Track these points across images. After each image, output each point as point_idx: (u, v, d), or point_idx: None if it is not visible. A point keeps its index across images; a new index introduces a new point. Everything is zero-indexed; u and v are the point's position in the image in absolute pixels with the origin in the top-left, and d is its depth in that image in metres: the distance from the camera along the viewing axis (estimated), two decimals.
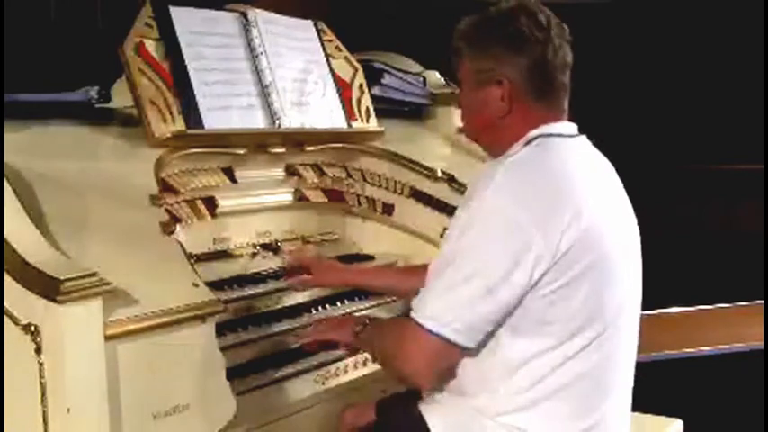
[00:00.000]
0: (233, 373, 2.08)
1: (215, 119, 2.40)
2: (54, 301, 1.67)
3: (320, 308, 2.54)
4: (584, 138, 2.00)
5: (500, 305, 1.80)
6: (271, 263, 2.60)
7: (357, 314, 2.57)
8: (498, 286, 1.78)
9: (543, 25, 1.92)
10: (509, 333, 1.83)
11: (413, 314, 1.85)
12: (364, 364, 2.45)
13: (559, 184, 1.83)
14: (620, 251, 1.90)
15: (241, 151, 2.47)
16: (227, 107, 2.45)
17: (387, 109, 3.05)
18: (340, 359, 2.42)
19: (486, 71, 1.95)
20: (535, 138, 1.91)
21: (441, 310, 1.81)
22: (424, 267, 1.98)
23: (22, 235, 1.78)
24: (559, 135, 1.93)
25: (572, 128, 1.98)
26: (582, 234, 1.79)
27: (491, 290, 1.78)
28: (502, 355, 1.85)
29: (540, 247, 1.77)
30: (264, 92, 2.57)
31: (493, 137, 1.99)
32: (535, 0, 1.98)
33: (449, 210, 2.76)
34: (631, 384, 2.02)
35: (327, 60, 2.83)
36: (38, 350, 1.70)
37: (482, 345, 1.85)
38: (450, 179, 2.83)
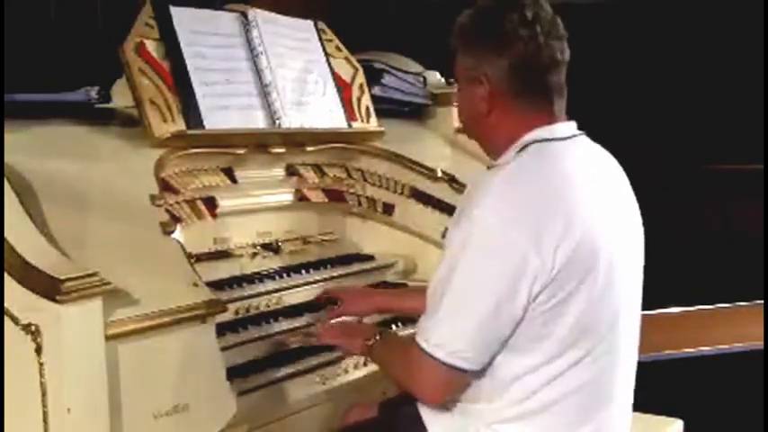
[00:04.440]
0: (233, 374, 2.08)
1: (215, 119, 2.40)
2: (54, 300, 1.66)
3: (322, 309, 2.53)
4: (582, 137, 1.95)
5: (505, 325, 1.79)
6: (271, 263, 2.60)
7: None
8: (501, 308, 1.77)
9: (529, 21, 1.85)
10: (505, 350, 1.82)
11: (419, 340, 1.84)
12: (365, 364, 2.45)
13: (551, 195, 1.80)
14: (620, 254, 1.87)
15: (241, 151, 2.47)
16: (227, 107, 2.45)
17: (387, 109, 3.05)
18: (341, 359, 2.42)
19: (470, 69, 1.92)
20: (530, 144, 1.86)
21: (447, 338, 1.80)
22: None
23: (22, 235, 1.78)
24: (555, 139, 1.88)
25: (569, 128, 1.93)
26: (577, 244, 1.77)
27: (494, 312, 1.77)
28: (497, 372, 1.84)
29: (536, 264, 1.75)
30: (264, 92, 2.57)
31: (483, 136, 1.97)
32: None
33: (449, 210, 2.75)
34: (632, 390, 2.01)
35: (327, 60, 2.83)
36: (38, 350, 1.70)
37: None
38: (451, 179, 2.83)
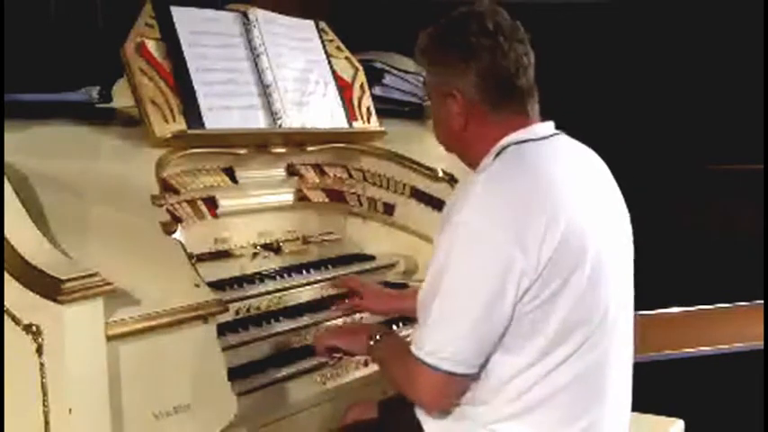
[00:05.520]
0: (234, 374, 2.08)
1: (216, 119, 2.40)
2: (55, 301, 1.67)
3: (322, 309, 2.53)
4: (561, 136, 1.96)
5: (496, 327, 1.80)
6: (271, 263, 2.60)
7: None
8: (491, 309, 1.78)
9: (490, 30, 1.88)
10: (497, 351, 1.83)
11: (413, 349, 1.85)
12: (365, 364, 2.45)
13: (533, 193, 1.81)
14: (607, 249, 1.88)
15: (242, 151, 2.47)
16: (228, 107, 2.45)
17: (387, 109, 3.05)
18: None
19: (441, 85, 1.94)
20: (506, 147, 1.88)
21: (439, 344, 1.81)
22: None
23: (22, 235, 1.78)
24: (533, 139, 1.89)
25: (546, 128, 1.94)
26: (562, 239, 1.78)
27: (485, 314, 1.78)
28: (490, 373, 1.85)
29: (523, 263, 1.76)
30: (265, 92, 2.57)
31: (462, 149, 1.99)
32: (490, 2, 1.95)
33: None
34: (629, 384, 2.01)
35: (328, 60, 2.83)
36: (39, 350, 1.70)
37: None
38: (451, 179, 2.82)
